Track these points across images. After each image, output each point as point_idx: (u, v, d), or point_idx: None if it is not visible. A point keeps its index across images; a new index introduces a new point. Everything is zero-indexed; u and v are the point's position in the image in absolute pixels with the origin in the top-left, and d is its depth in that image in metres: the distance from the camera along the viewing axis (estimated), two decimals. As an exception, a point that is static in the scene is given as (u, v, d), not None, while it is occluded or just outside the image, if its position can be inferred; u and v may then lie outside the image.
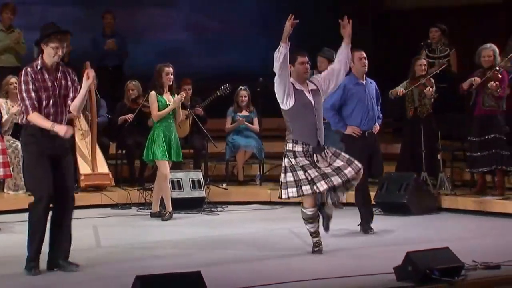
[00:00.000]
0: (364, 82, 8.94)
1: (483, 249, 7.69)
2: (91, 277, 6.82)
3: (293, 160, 7.55)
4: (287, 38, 7.34)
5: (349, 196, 10.46)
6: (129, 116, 11.65)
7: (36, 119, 6.94)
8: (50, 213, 7.05)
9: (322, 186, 7.47)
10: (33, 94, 6.93)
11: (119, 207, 10.96)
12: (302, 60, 7.63)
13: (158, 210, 10.15)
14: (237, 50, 14.74)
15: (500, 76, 10.38)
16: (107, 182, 11.36)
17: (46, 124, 6.94)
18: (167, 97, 10.07)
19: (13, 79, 10.64)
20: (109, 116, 11.88)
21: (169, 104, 10.00)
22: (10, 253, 7.79)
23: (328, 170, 7.53)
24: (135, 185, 11.46)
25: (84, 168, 11.22)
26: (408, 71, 11.21)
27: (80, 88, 7.07)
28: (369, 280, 6.47)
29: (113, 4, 13.74)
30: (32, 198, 7.08)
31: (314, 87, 7.69)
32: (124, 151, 11.87)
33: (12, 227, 9.37)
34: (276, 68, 7.42)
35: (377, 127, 9.07)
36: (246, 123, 11.99)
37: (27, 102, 6.95)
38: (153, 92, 10.07)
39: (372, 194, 9.88)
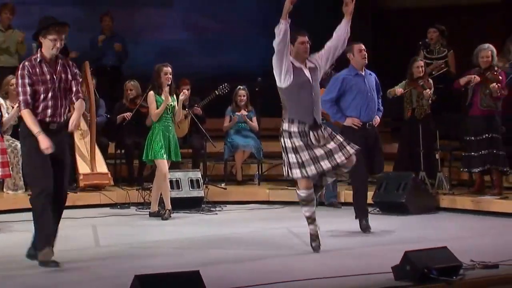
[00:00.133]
0: (363, 73, 8.92)
1: (481, 248, 7.69)
2: (90, 277, 6.80)
3: (287, 141, 7.56)
4: (287, 15, 7.32)
5: (348, 196, 10.52)
6: (127, 115, 11.66)
7: (27, 118, 6.91)
8: None
9: (311, 170, 7.51)
10: (28, 89, 6.90)
11: (118, 206, 10.95)
12: (302, 39, 7.62)
13: (157, 209, 10.15)
14: (237, 50, 14.74)
15: (500, 77, 10.40)
16: (106, 182, 11.36)
17: (33, 128, 6.88)
18: (166, 97, 10.07)
19: (13, 80, 10.62)
20: (108, 116, 11.90)
21: (169, 104, 10.01)
22: (10, 253, 7.78)
23: (320, 152, 7.54)
24: (134, 185, 11.47)
25: (83, 167, 11.22)
26: (407, 71, 11.23)
27: (81, 80, 6.98)
28: (367, 280, 6.46)
29: (112, 4, 13.75)
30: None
31: (312, 65, 7.70)
32: (123, 151, 11.87)
33: (12, 227, 9.37)
34: (275, 43, 7.39)
35: (377, 119, 9.03)
36: (246, 118, 11.98)
37: (21, 98, 6.93)
38: (151, 92, 10.07)
39: (371, 193, 9.88)
